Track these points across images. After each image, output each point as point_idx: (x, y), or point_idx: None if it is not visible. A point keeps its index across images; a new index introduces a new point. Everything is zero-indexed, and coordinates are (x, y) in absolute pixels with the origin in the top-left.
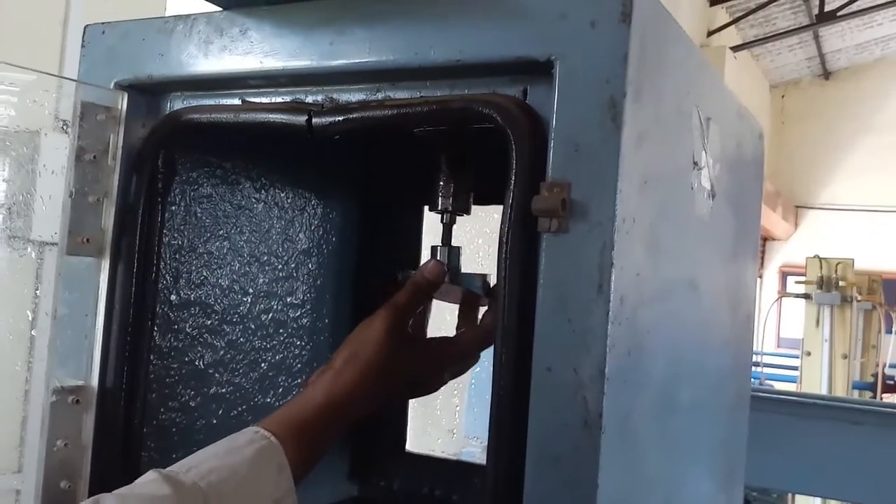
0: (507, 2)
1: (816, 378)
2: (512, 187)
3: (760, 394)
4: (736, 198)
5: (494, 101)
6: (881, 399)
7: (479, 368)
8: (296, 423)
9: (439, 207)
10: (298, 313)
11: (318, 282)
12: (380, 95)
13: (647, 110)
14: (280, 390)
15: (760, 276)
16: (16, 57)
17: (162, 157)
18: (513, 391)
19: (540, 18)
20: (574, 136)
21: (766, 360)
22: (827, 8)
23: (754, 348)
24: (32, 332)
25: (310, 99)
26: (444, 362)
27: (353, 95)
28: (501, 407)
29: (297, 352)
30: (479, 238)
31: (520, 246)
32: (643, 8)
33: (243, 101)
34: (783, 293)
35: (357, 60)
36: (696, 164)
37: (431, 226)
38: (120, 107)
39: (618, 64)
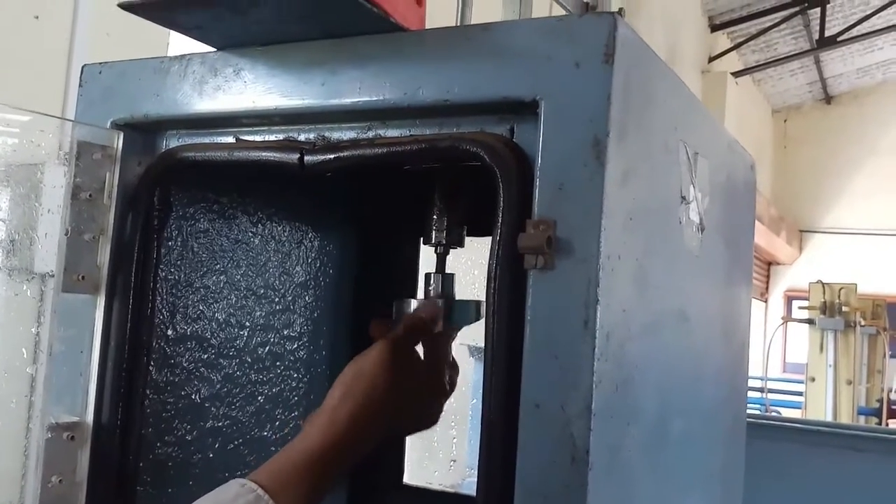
0: (493, 43)
1: (821, 404)
2: (499, 224)
3: (764, 421)
4: (727, 229)
5: (481, 139)
6: (887, 425)
7: (475, 400)
8: (290, 470)
9: (433, 241)
10: (295, 346)
11: (316, 314)
12: (371, 133)
13: (633, 148)
14: (277, 423)
15: (765, 301)
16: (20, 90)
17: (157, 195)
18: (502, 427)
19: (526, 59)
20: (559, 174)
21: (771, 385)
22: (828, 33)
23: (759, 374)
24: (28, 370)
25: (302, 137)
26: (437, 391)
27: (344, 133)
28: (491, 443)
29: (294, 384)
30: (475, 269)
31: (508, 282)
32: (627, 48)
33: (237, 138)
34: (788, 318)
35: (348, 100)
36: (684, 198)
37: (428, 257)
38: (116, 145)
39: (601, 103)
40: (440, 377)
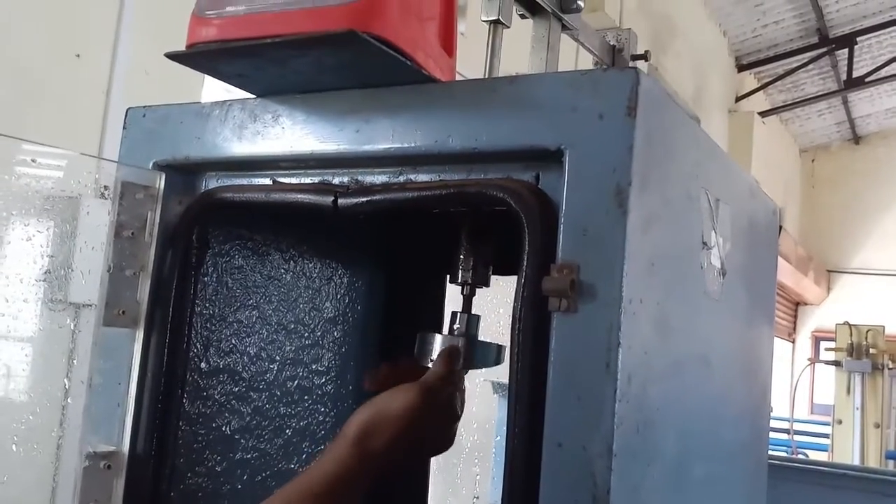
0: (520, 95)
1: (848, 447)
2: (524, 267)
3: (791, 463)
4: (749, 273)
5: (508, 185)
6: None
7: (499, 437)
8: (302, 496)
9: (459, 280)
10: (323, 380)
11: (344, 349)
12: (402, 178)
13: (654, 196)
14: (304, 456)
15: (793, 341)
16: (59, 126)
17: (196, 233)
18: (524, 465)
19: (551, 110)
20: (583, 221)
21: (798, 427)
22: (855, 73)
23: (786, 415)
24: (68, 400)
25: (336, 180)
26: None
27: (376, 178)
28: (513, 481)
29: (321, 418)
30: (500, 308)
31: (532, 324)
32: (649, 101)
33: (274, 181)
34: (815, 359)
35: (381, 146)
36: (705, 244)
37: (454, 295)
38: (158, 186)
39: (624, 154)
40: (455, 406)
